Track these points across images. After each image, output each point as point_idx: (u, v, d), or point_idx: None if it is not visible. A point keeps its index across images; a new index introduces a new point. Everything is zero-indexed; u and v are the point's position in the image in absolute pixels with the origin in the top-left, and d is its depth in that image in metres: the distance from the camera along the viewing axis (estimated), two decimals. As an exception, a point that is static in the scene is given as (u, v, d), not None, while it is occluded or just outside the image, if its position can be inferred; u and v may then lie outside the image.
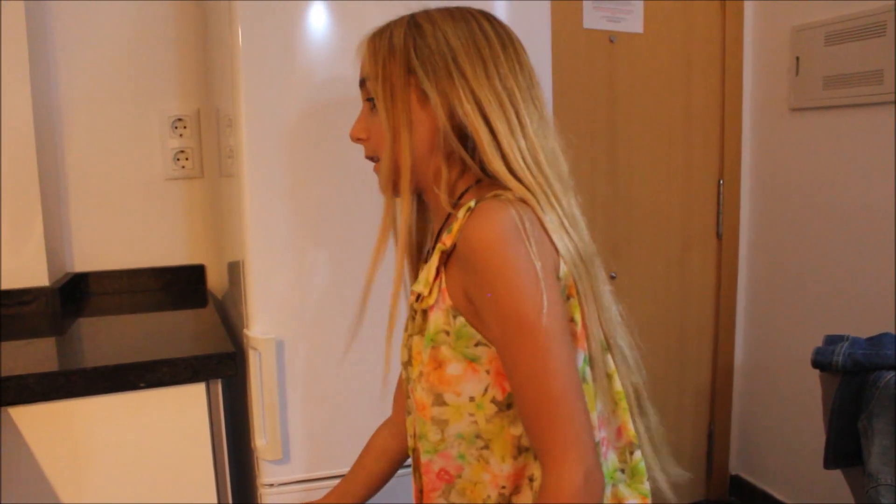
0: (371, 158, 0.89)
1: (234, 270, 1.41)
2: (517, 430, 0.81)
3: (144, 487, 1.15)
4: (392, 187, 0.86)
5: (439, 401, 0.83)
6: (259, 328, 1.22)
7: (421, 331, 0.85)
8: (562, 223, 0.80)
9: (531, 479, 0.82)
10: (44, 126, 1.57)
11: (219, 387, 1.19)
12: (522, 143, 0.80)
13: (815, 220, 2.12)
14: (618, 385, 0.86)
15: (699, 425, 2.49)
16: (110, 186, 1.72)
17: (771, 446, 2.37)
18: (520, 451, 0.82)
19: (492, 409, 0.81)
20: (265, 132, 1.20)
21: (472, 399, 0.81)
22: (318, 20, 1.21)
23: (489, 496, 0.83)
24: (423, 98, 0.81)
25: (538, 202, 0.79)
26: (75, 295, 1.66)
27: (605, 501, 0.83)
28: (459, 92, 0.79)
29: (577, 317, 0.80)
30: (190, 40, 1.74)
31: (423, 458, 0.87)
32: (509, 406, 0.80)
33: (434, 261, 0.82)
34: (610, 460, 0.85)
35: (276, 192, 1.22)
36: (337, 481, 1.05)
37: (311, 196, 1.24)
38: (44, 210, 1.52)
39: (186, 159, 1.76)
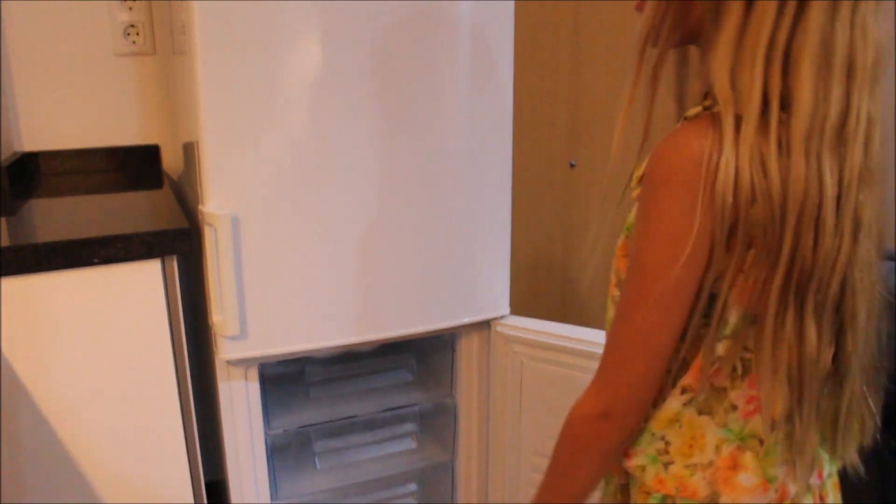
0: None
1: (190, 151, 1.38)
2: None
3: (102, 362, 1.17)
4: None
5: (621, 285, 0.78)
6: (214, 204, 1.21)
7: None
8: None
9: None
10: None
11: (174, 263, 1.19)
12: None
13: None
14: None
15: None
16: (57, 62, 1.65)
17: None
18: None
19: None
20: (219, 5, 1.15)
21: None
22: None
23: None
24: None
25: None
26: (25, 175, 1.62)
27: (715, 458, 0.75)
28: None
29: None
30: None
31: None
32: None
33: None
34: (750, 424, 0.75)
35: (230, 69, 1.18)
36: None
37: (268, 73, 1.21)
38: (-14, 84, 1.46)
39: (137, 34, 1.68)
